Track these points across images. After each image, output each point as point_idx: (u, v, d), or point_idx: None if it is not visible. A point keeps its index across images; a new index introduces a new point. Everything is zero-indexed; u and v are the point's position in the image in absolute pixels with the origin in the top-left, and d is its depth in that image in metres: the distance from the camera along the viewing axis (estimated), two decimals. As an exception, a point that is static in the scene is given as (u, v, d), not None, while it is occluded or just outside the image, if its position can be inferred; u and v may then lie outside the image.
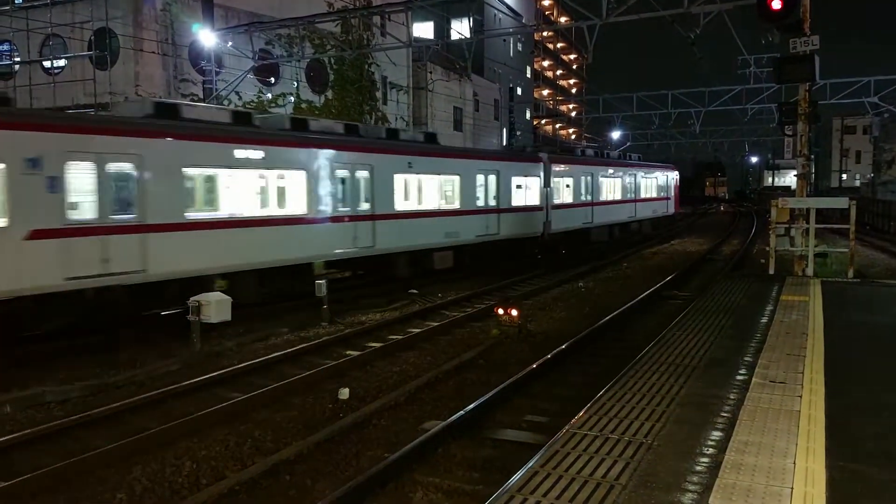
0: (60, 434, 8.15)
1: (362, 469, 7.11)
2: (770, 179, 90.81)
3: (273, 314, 14.80)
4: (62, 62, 26.41)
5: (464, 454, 7.60)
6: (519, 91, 51.22)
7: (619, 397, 6.35)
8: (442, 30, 43.32)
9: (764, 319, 9.86)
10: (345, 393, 9.77)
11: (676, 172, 42.61)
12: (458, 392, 9.95)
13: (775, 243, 14.65)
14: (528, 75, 61.61)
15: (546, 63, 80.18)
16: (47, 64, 26.93)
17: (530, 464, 4.93)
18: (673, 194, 41.35)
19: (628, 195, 33.24)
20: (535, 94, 67.03)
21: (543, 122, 73.35)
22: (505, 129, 48.80)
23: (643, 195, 35.55)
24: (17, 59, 27.60)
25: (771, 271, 14.53)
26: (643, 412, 5.92)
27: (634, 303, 16.23)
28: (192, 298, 12.15)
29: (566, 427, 5.64)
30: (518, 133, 49.09)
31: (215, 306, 12.12)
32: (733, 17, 17.29)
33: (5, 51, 28.56)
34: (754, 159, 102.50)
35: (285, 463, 7.33)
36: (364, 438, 8.18)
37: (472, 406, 8.67)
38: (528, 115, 58.63)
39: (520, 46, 57.21)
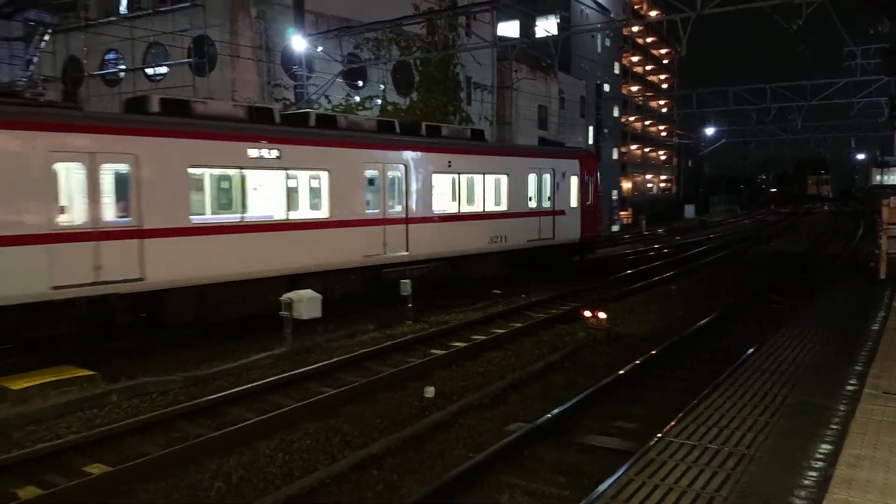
0: (163, 423, 8.56)
1: (449, 467, 7.11)
2: (878, 177, 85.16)
3: (360, 311, 15.07)
4: (164, 69, 27.90)
5: (550, 458, 7.47)
6: (607, 88, 50.23)
7: (717, 406, 6.07)
8: (528, 28, 43.07)
9: (875, 326, 9.23)
10: (430, 391, 9.81)
11: (578, 162, 22.29)
12: (543, 394, 9.81)
13: (886, 245, 13.70)
14: (617, 71, 60.36)
15: (635, 58, 78.29)
16: (150, 71, 28.52)
17: (622, 471, 4.78)
18: (577, 202, 21.91)
19: (393, 207, 15.87)
20: (624, 91, 65.58)
21: (633, 119, 71.69)
22: (591, 128, 47.96)
23: (469, 207, 18.07)
24: (123, 67, 29.37)
25: (882, 275, 13.61)
26: (744, 422, 5.64)
27: (731, 307, 15.56)
28: (284, 295, 12.54)
29: (660, 435, 5.44)
30: (606, 130, 48.14)
31: (306, 303, 12.45)
32: (838, 6, 16.30)
33: (112, 59, 30.44)
34: (861, 156, 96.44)
35: (373, 458, 7.43)
36: (449, 437, 8.19)
37: (559, 409, 8.53)
38: (615, 113, 57.41)
39: (607, 42, 56.13)
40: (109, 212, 11.14)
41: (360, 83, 29.66)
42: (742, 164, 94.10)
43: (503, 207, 19.03)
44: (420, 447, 7.83)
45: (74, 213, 10.77)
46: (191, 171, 12.23)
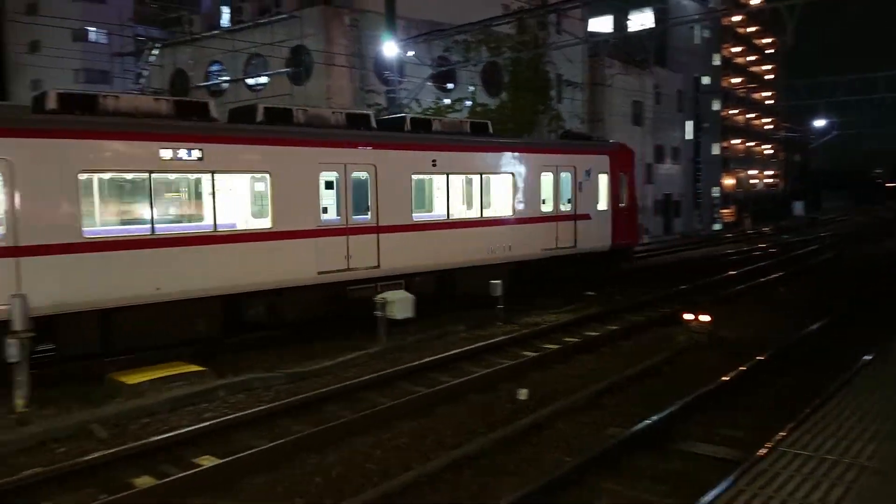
0: (266, 418, 8.87)
1: (544, 470, 6.99)
2: None
3: (451, 311, 15.12)
4: (264, 79, 29.10)
5: (651, 465, 7.21)
6: (706, 80, 48.29)
7: (833, 415, 5.67)
8: (620, 22, 42.03)
9: None
10: (523, 393, 9.71)
11: (608, 158, 19.29)
12: (642, 399, 9.50)
13: None
14: (716, 63, 57.85)
15: (736, 49, 74.88)
16: (251, 81, 29.81)
17: (731, 480, 4.53)
18: (607, 205, 19.03)
19: (359, 214, 13.75)
20: (724, 83, 62.84)
21: (734, 112, 68.64)
22: (690, 122, 46.24)
23: (461, 212, 15.78)
24: (226, 78, 30.87)
25: None
26: (864, 432, 5.23)
27: (845, 311, 14.57)
28: (378, 296, 12.78)
29: (771, 444, 5.13)
30: (705, 125, 46.29)
31: (399, 304, 12.65)
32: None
33: (215, 71, 32.03)
34: None
35: (467, 458, 7.41)
36: (544, 440, 8.06)
37: (659, 415, 8.23)
38: (715, 106, 55.07)
39: (706, 33, 53.93)
40: None
41: (451, 86, 29.87)
42: (855, 157, 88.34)
43: (506, 212, 16.42)
44: (514, 449, 7.75)
45: None
46: (83, 176, 10.41)
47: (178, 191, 12.14)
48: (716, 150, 54.68)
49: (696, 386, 9.45)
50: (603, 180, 18.83)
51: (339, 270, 13.13)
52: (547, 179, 17.39)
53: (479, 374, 10.64)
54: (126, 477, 7.18)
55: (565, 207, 17.77)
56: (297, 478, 7.14)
